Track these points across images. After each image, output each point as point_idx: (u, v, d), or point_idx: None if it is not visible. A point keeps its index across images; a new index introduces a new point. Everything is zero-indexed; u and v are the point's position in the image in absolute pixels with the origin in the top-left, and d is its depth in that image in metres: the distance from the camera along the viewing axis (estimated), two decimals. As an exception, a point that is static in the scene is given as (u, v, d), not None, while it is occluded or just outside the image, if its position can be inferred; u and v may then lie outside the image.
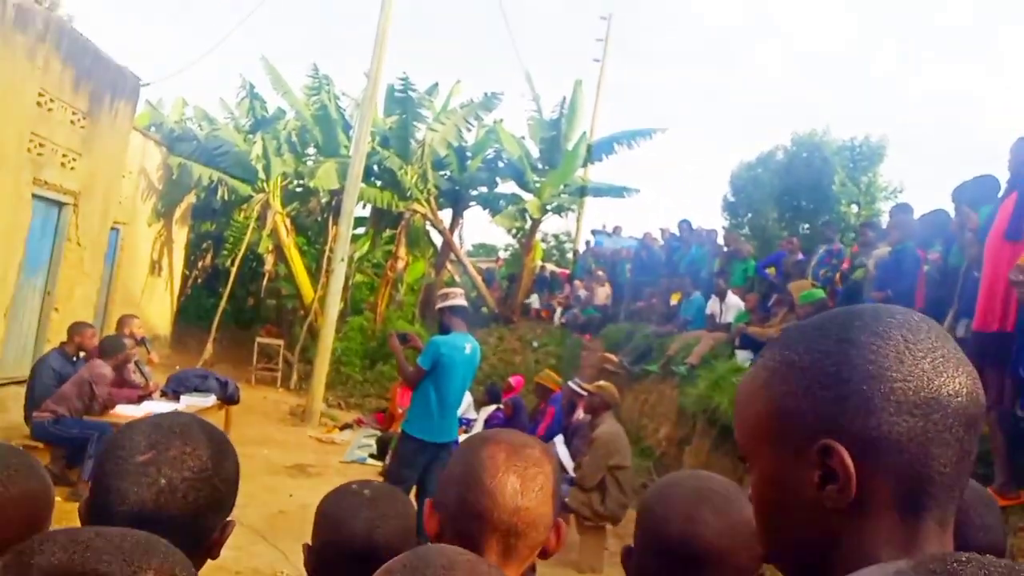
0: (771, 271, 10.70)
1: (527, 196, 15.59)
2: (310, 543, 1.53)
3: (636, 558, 1.23)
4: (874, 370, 0.70)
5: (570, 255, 21.68)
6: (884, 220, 18.30)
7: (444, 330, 5.68)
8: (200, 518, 1.13)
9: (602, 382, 6.64)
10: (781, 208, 21.43)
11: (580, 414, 7.66)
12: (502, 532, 1.11)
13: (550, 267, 18.58)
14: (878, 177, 21.06)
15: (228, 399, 8.28)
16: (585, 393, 6.73)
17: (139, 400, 7.30)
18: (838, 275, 8.56)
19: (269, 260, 14.52)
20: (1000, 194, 5.52)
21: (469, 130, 15.39)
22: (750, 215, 22.44)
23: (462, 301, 5.78)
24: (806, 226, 20.35)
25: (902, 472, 0.69)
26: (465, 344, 5.57)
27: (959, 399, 0.70)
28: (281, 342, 13.85)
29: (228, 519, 1.20)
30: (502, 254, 24.95)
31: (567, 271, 17.46)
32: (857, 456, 0.69)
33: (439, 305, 5.83)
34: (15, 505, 1.16)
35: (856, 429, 0.70)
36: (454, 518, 1.15)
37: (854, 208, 20.35)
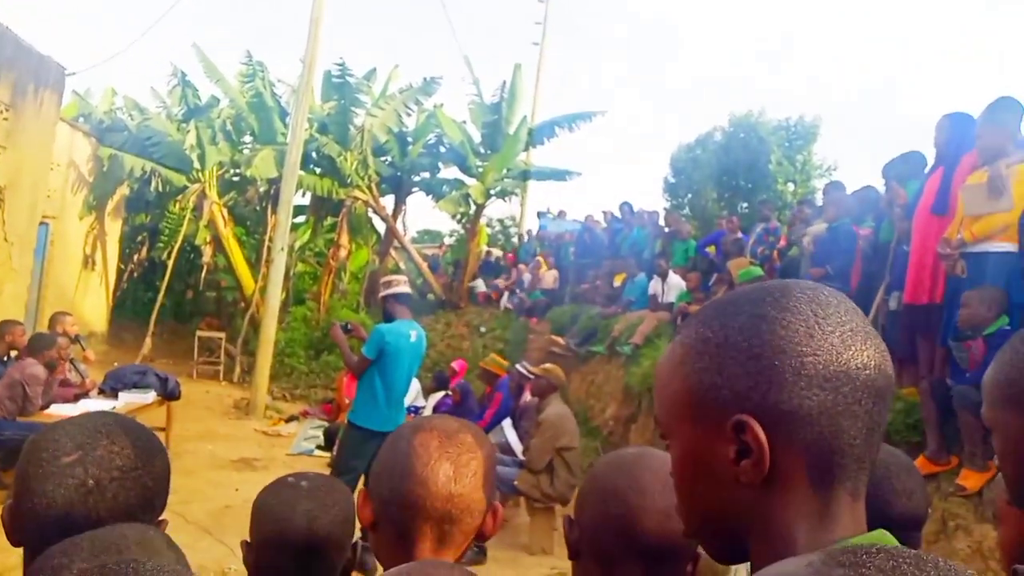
0: (711, 250, 10.88)
1: (470, 181, 15.52)
2: (248, 539, 1.51)
3: (581, 534, 1.20)
4: (785, 345, 0.71)
5: (515, 239, 21.73)
6: (819, 198, 18.81)
7: (388, 318, 5.65)
8: (131, 518, 1.10)
9: (548, 364, 6.68)
10: (720, 188, 21.81)
11: (527, 397, 7.71)
12: (436, 520, 1.11)
13: (495, 251, 18.58)
14: (812, 156, 21.58)
15: (168, 395, 8.09)
16: (532, 376, 6.75)
17: (76, 399, 7.13)
18: (775, 252, 8.75)
19: (207, 251, 14.20)
20: (927, 170, 5.71)
21: (409, 115, 15.26)
22: (690, 196, 22.80)
23: (406, 288, 5.76)
24: (745, 205, 20.75)
25: (813, 445, 0.71)
26: (410, 331, 5.55)
27: (867, 372, 0.71)
28: (222, 335, 13.60)
29: (161, 518, 1.18)
30: (447, 240, 24.87)
31: (512, 255, 17.47)
32: (769, 430, 0.70)
33: (383, 293, 5.80)
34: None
35: (769, 404, 0.71)
36: (387, 507, 1.13)
37: (790, 186, 20.81)
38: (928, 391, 4.13)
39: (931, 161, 5.76)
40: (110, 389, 7.72)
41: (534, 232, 17.83)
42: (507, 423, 7.24)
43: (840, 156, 28.21)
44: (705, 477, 0.76)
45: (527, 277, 15.27)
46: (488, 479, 1.16)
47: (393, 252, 16.76)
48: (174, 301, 15.56)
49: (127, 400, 7.48)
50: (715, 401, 0.74)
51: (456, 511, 1.11)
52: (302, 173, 12.76)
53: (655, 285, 10.30)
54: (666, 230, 11.47)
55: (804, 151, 21.58)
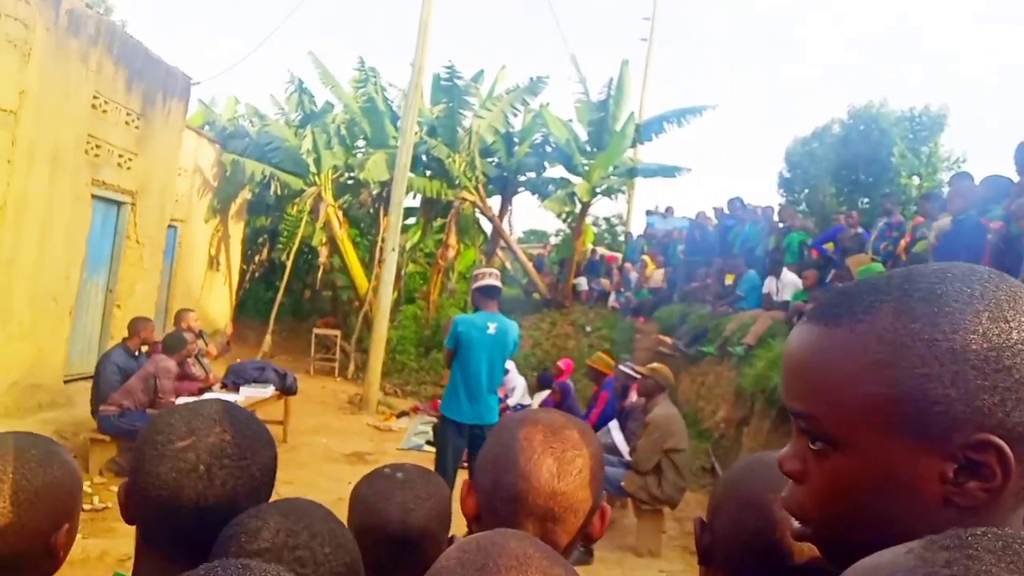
0: (829, 247, 10.42)
1: (576, 179, 15.44)
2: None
3: (713, 540, 1.11)
4: None
5: (621, 237, 21.51)
6: (946, 191, 17.75)
7: (477, 311, 5.72)
8: (236, 506, 1.11)
9: (655, 364, 6.55)
10: (839, 183, 20.90)
11: (633, 397, 7.59)
12: (538, 516, 1.07)
13: (600, 250, 18.43)
14: (939, 147, 20.40)
15: (286, 390, 8.41)
16: (638, 376, 6.64)
17: (199, 392, 7.47)
18: (901, 247, 8.31)
19: (323, 252, 14.68)
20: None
21: (516, 115, 15.31)
22: (807, 191, 21.97)
23: (492, 281, 5.75)
24: (865, 200, 19.79)
25: None
26: (488, 323, 5.55)
27: None
28: (338, 332, 14.04)
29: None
30: (552, 239, 24.86)
31: (616, 254, 17.29)
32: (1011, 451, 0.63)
33: (472, 287, 5.89)
34: (40, 496, 1.16)
35: (1012, 423, 0.63)
36: (490, 499, 1.11)
37: (915, 180, 19.74)
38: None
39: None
40: (231, 383, 8.10)
41: (641, 230, 17.58)
42: (614, 424, 7.15)
43: (970, 147, 26.47)
44: (892, 493, 0.67)
45: (633, 276, 15.08)
46: (594, 478, 1.11)
47: (499, 252, 16.88)
48: (292, 300, 16.17)
49: (247, 394, 7.82)
50: (942, 416, 0.65)
51: (559, 509, 1.07)
52: (412, 175, 13.01)
53: (769, 283, 9.97)
54: (780, 226, 11.07)
55: (930, 143, 20.43)
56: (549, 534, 1.07)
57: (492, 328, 5.57)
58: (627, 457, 6.54)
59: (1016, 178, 5.65)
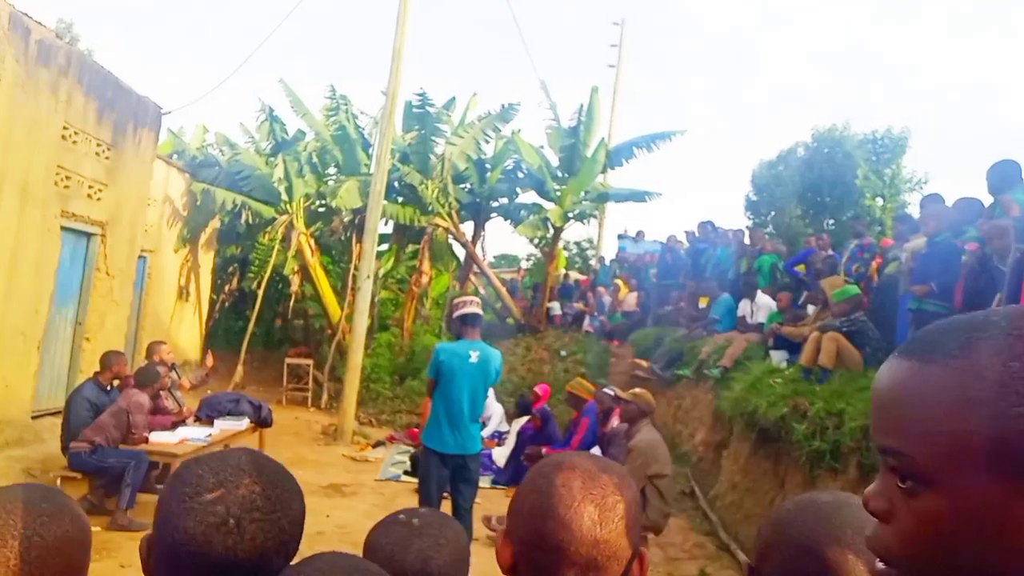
0: (801, 269, 10.57)
1: (548, 205, 15.53)
2: None
3: None
4: None
5: (592, 262, 21.61)
6: (911, 212, 18.12)
7: (458, 339, 5.68)
8: (265, 562, 1.07)
9: (638, 389, 6.55)
10: (804, 205, 21.19)
11: (615, 422, 7.58)
12: (580, 566, 1.04)
13: (573, 275, 18.50)
14: (902, 169, 20.80)
15: (261, 422, 8.28)
16: (622, 401, 6.64)
17: (173, 427, 7.34)
18: (872, 268, 8.44)
19: (295, 281, 14.56)
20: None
21: (488, 142, 15.39)
22: (773, 213, 22.23)
23: (473, 309, 5.72)
24: (831, 221, 20.12)
25: None
26: (470, 351, 5.49)
27: None
28: (310, 362, 13.89)
29: (292, 563, 1.14)
30: (523, 264, 24.91)
31: (587, 279, 17.36)
32: None
33: (453, 315, 5.84)
34: (52, 552, 1.12)
35: None
36: (528, 550, 1.07)
37: (879, 201, 20.10)
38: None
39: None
40: (205, 416, 7.95)
41: (613, 254, 17.67)
42: (595, 451, 7.13)
43: (932, 168, 27.06)
44: (986, 536, 0.66)
45: (607, 300, 15.14)
46: (634, 524, 1.08)
47: (473, 277, 16.87)
48: (263, 329, 15.97)
49: (222, 427, 7.68)
50: None
51: (602, 558, 1.04)
52: (385, 202, 12.98)
53: (744, 306, 10.06)
54: (752, 249, 11.20)
55: (893, 164, 20.82)
56: None
57: (474, 356, 5.52)
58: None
59: (987, 199, 5.77)
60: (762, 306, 9.78)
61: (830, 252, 9.85)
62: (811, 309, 8.98)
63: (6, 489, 1.26)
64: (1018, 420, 0.64)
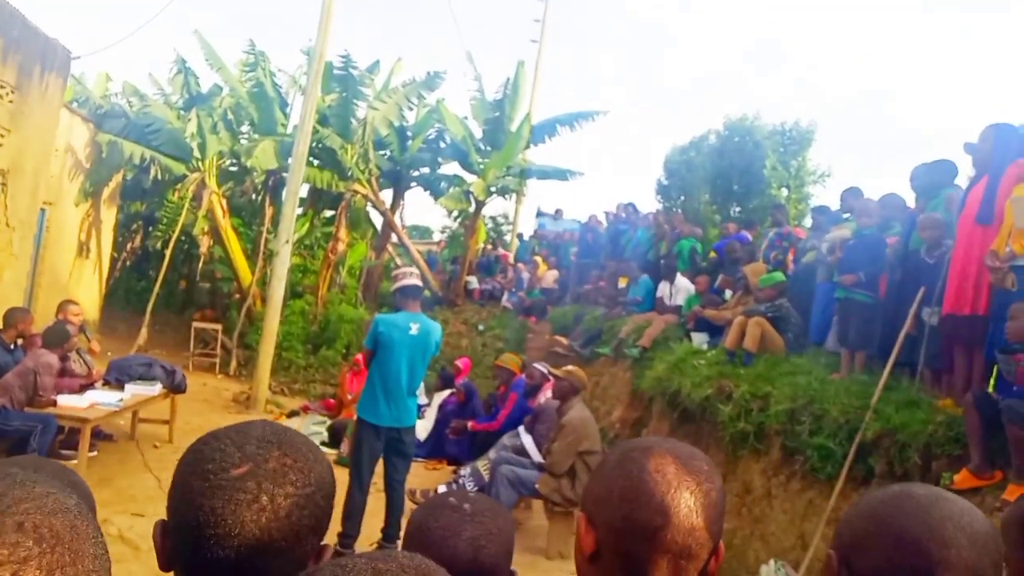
0: (712, 254, 10.92)
1: (470, 178, 15.41)
2: None
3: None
4: None
5: (507, 237, 21.63)
6: (813, 203, 18.83)
7: (397, 312, 5.62)
8: (301, 542, 0.98)
9: (571, 367, 6.61)
10: (713, 191, 21.78)
11: (542, 399, 7.64)
12: (674, 554, 1.02)
13: (490, 249, 18.47)
14: (807, 161, 21.61)
15: (175, 388, 7.95)
16: (553, 377, 6.68)
17: (81, 390, 6.97)
18: (789, 257, 8.75)
19: (204, 242, 14.00)
20: (956, 179, 5.71)
21: (411, 109, 15.14)
22: (683, 198, 22.75)
23: (412, 280, 5.67)
24: (737, 209, 20.77)
25: None
26: (410, 323, 5.44)
27: None
28: (219, 327, 13.41)
29: (324, 543, 1.05)
30: (437, 235, 24.72)
31: (508, 253, 17.39)
32: None
33: (393, 287, 5.77)
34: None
35: None
36: (617, 538, 1.04)
37: (784, 191, 20.84)
38: (972, 404, 4.10)
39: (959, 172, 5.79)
40: (115, 380, 7.58)
41: (530, 231, 17.73)
42: (523, 431, 7.16)
43: (834, 162, 28.25)
44: None
45: (525, 276, 15.20)
46: (722, 514, 1.07)
47: (390, 247, 16.64)
48: (167, 291, 15.33)
49: (133, 392, 7.35)
50: None
51: (696, 546, 1.02)
52: (303, 165, 12.60)
53: (663, 288, 10.27)
54: (672, 232, 11.43)
55: (799, 156, 21.60)
56: (681, 572, 1.03)
57: (415, 328, 5.45)
58: (536, 459, 6.58)
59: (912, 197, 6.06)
60: (681, 289, 10.02)
61: (744, 237, 10.17)
62: (728, 294, 9.27)
63: (8, 462, 1.13)
64: None
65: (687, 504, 1.03)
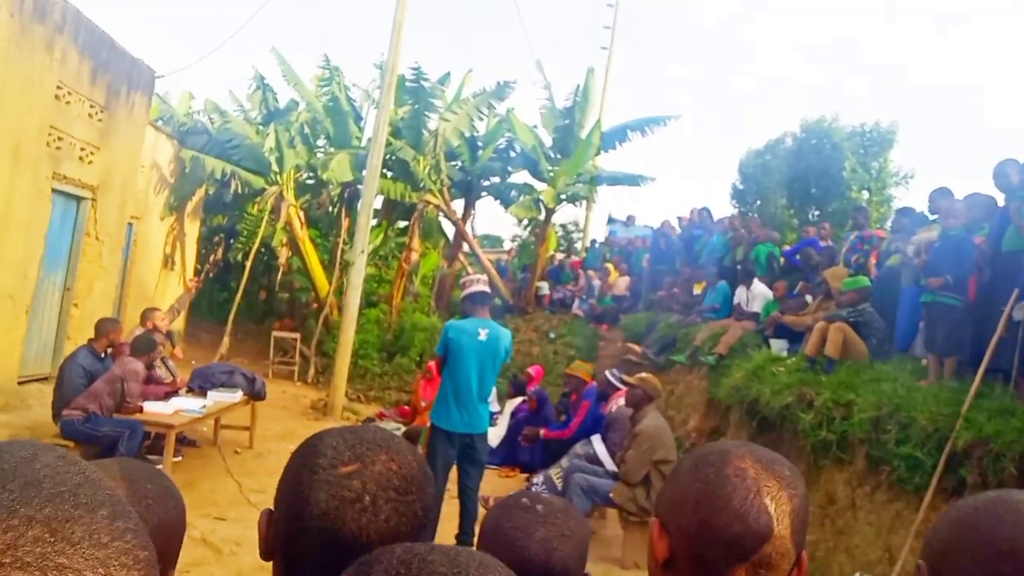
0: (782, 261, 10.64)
1: (540, 185, 15.43)
2: None
3: None
4: None
5: (578, 244, 21.57)
6: (895, 205, 18.21)
7: (466, 318, 5.62)
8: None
9: (644, 374, 6.51)
10: (790, 195, 21.29)
11: (613, 406, 7.56)
12: (752, 563, 0.96)
13: (561, 257, 18.45)
14: (888, 163, 20.93)
15: (255, 395, 8.15)
16: (623, 384, 6.60)
17: (166, 397, 7.19)
18: (871, 261, 8.46)
19: (283, 253, 14.36)
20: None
21: (481, 119, 15.25)
22: (759, 202, 22.31)
23: (480, 287, 5.68)
24: (816, 212, 20.24)
25: None
26: (479, 329, 5.43)
27: None
28: (297, 335, 13.72)
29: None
30: (508, 244, 24.83)
31: (579, 260, 17.32)
32: None
33: (462, 294, 5.79)
34: (152, 538, 1.03)
35: None
36: (693, 544, 0.99)
37: (865, 194, 20.24)
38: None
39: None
40: (198, 387, 7.81)
41: (602, 237, 17.61)
42: (597, 439, 7.08)
43: (917, 163, 27.28)
44: None
45: (596, 283, 15.11)
46: (805, 523, 1.01)
47: (461, 256, 16.77)
48: (248, 302, 15.76)
49: (216, 399, 7.55)
50: None
51: (776, 555, 0.97)
52: (376, 177, 12.82)
53: (740, 293, 10.05)
54: (749, 236, 11.19)
55: (880, 158, 20.95)
56: None
57: (483, 334, 5.45)
58: (610, 468, 6.50)
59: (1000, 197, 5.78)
60: (758, 294, 9.78)
61: (829, 242, 9.87)
62: (808, 298, 9.01)
63: (105, 463, 1.17)
64: None
65: (767, 510, 0.97)
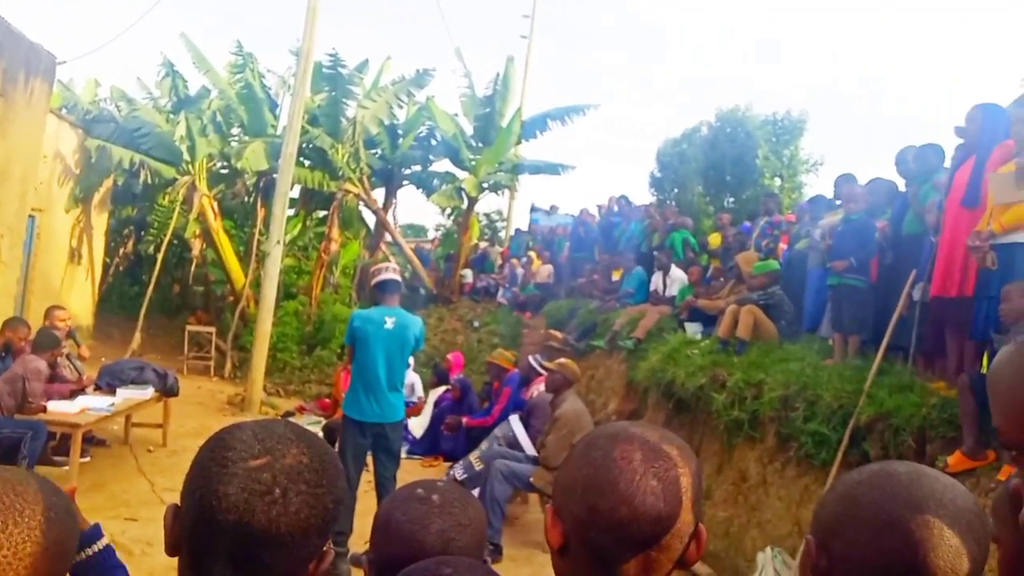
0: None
1: (462, 174, 15.39)
2: (369, 554, 1.38)
3: (832, 564, 1.00)
4: None
5: (502, 233, 21.62)
6: (807, 192, 18.82)
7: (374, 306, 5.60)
8: (307, 540, 0.98)
9: (563, 359, 6.59)
10: (706, 183, 21.77)
11: (533, 391, 7.63)
12: (642, 544, 0.96)
13: (485, 246, 18.46)
14: (799, 151, 21.60)
15: (167, 391, 7.91)
16: (546, 371, 6.66)
17: (72, 395, 6.92)
18: (780, 245, 8.73)
19: (196, 245, 13.95)
20: (946, 163, 5.68)
21: (401, 107, 15.09)
22: (676, 190, 22.75)
23: (390, 275, 5.64)
24: (731, 199, 20.75)
25: None
26: (385, 317, 5.40)
27: None
28: (212, 329, 13.37)
29: (326, 547, 1.05)
30: (432, 233, 24.71)
31: (505, 250, 17.37)
32: None
33: (371, 283, 5.75)
34: (45, 555, 1.01)
35: None
36: (584, 528, 0.99)
37: (777, 181, 20.84)
38: (967, 385, 4.07)
39: (949, 153, 5.76)
40: (106, 385, 7.53)
41: (524, 226, 17.68)
42: (515, 418, 7.15)
43: (827, 151, 28.19)
44: None
45: (520, 271, 15.18)
46: (697, 498, 1.01)
47: (383, 246, 16.60)
48: (161, 295, 15.27)
49: (125, 396, 7.31)
50: None
51: (665, 535, 0.97)
52: (293, 166, 12.56)
53: (656, 279, 10.24)
54: (665, 223, 11.41)
55: (791, 146, 21.58)
56: (652, 563, 0.98)
57: (390, 323, 5.41)
58: (529, 452, 6.56)
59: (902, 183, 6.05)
60: (675, 280, 9.98)
61: (738, 228, 10.16)
62: (722, 282, 9.24)
63: (20, 472, 1.12)
64: None
65: (654, 492, 0.96)
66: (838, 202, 7.72)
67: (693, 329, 8.24)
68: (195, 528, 0.98)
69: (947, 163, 5.62)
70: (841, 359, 5.90)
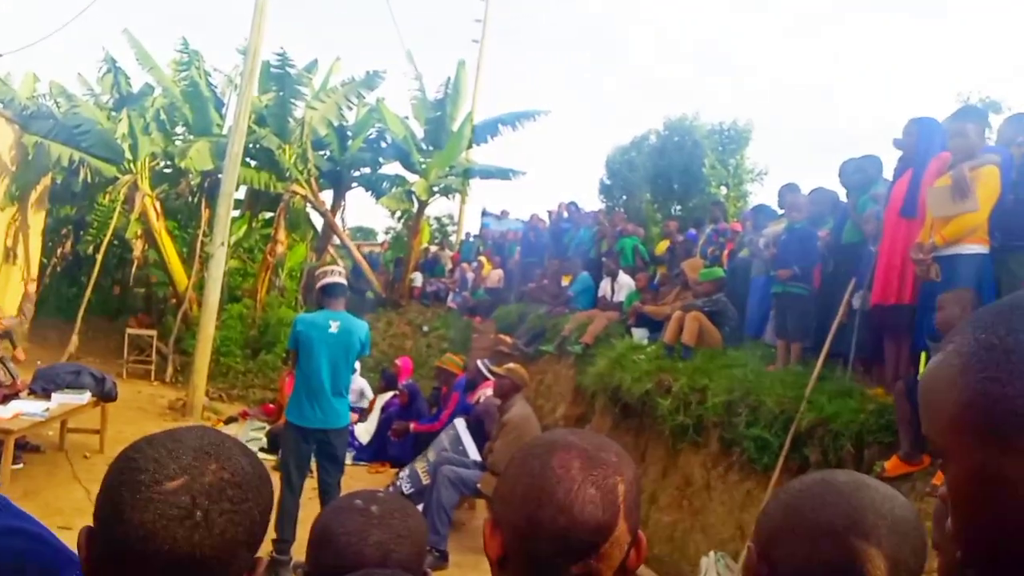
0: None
1: (412, 177, 15.31)
2: (306, 567, 1.35)
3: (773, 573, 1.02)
4: None
5: (452, 237, 21.57)
6: (752, 200, 19.16)
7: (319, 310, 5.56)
8: (235, 558, 0.93)
9: (512, 364, 6.59)
10: (654, 190, 22.06)
11: (480, 395, 7.62)
12: (582, 553, 0.96)
13: (436, 250, 18.39)
14: (745, 160, 22.02)
15: (105, 395, 7.69)
16: (493, 375, 6.66)
17: (5, 400, 6.71)
18: (725, 253, 8.87)
19: (138, 246, 13.62)
20: (884, 173, 5.84)
21: (350, 108, 14.96)
22: (625, 197, 23.00)
23: (335, 279, 5.59)
24: (678, 207, 21.06)
25: None
26: (329, 321, 5.36)
27: None
28: (153, 333, 13.06)
29: (258, 556, 1.00)
30: (381, 236, 24.52)
31: (456, 254, 17.34)
32: None
33: (316, 286, 5.72)
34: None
35: None
36: (522, 540, 0.98)
37: (723, 189, 21.22)
38: (903, 391, 4.18)
39: (888, 164, 5.92)
40: (41, 389, 7.30)
41: (475, 230, 17.67)
42: (460, 422, 7.12)
43: (770, 161, 28.88)
44: (995, 498, 0.68)
45: (470, 276, 15.16)
46: (635, 506, 1.01)
47: (331, 248, 16.41)
48: (100, 297, 14.85)
49: (61, 401, 7.10)
50: (1006, 412, 0.66)
51: (606, 544, 0.96)
52: (239, 166, 12.35)
53: (604, 285, 10.33)
54: (613, 230, 11.52)
55: (737, 155, 21.99)
56: (593, 572, 0.97)
57: (334, 327, 5.35)
58: (473, 457, 6.54)
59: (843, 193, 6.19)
60: (623, 285, 10.08)
61: (682, 236, 10.32)
62: (669, 288, 9.35)
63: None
64: (984, 385, 0.68)
65: (593, 500, 0.96)
66: (781, 211, 7.90)
67: (640, 335, 8.32)
68: (109, 556, 0.92)
69: (887, 174, 5.79)
70: (783, 365, 6.02)
